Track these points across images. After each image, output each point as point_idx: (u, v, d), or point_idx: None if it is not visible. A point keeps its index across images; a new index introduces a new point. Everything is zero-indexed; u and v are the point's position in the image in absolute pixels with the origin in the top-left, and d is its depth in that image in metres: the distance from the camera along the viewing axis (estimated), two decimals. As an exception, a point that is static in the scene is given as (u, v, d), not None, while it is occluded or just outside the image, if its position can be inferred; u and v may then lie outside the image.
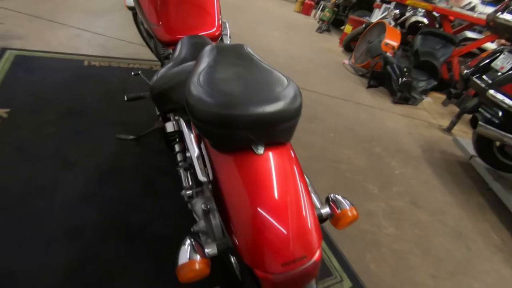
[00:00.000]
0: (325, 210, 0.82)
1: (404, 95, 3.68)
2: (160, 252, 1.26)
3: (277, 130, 0.70)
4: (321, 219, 0.81)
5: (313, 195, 0.83)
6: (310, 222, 0.68)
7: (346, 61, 4.62)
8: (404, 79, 3.62)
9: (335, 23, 6.46)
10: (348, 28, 5.36)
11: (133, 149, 1.71)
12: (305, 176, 0.80)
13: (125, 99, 1.49)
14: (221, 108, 0.64)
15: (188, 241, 0.68)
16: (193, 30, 1.39)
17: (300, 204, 0.69)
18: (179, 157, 1.18)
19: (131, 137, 1.73)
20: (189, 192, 1.05)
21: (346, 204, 0.81)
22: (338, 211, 0.80)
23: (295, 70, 3.75)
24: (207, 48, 0.90)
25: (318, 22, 6.32)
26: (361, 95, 3.60)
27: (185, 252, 0.65)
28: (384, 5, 5.27)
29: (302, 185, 0.73)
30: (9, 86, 1.89)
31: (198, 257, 0.65)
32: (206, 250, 0.68)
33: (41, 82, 2.02)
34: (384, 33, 4.05)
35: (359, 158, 2.37)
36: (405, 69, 3.65)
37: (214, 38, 1.44)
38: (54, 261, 1.13)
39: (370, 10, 5.87)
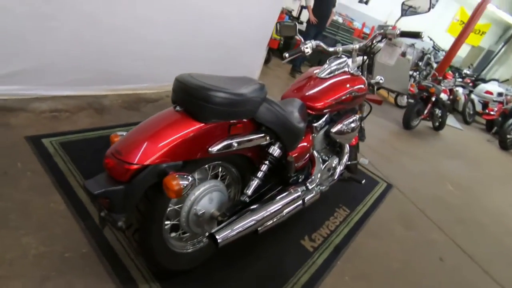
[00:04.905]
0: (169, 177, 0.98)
1: None
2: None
3: (189, 101, 1.04)
4: (165, 173, 1.00)
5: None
6: (149, 152, 0.97)
7: None
8: None
9: None
10: None
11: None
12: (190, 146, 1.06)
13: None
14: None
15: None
16: (303, 99, 1.60)
17: (156, 142, 0.99)
18: None
19: None
20: None
21: (175, 176, 0.97)
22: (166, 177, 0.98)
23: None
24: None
25: None
26: None
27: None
28: None
29: (177, 145, 1.00)
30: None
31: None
32: None
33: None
34: None
35: None
36: None
37: (315, 109, 1.60)
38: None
39: None
